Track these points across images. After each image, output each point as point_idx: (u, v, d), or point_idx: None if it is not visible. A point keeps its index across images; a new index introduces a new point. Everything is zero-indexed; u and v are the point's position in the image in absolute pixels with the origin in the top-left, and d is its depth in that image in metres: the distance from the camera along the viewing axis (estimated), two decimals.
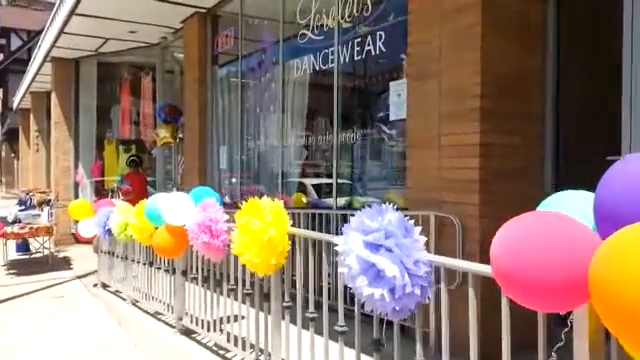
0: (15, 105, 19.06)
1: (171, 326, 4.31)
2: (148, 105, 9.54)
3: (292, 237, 2.55)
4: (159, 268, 4.56)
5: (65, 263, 8.64)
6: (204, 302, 3.69)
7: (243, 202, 2.64)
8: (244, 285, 3.04)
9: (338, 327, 2.21)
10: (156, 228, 4.25)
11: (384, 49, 4.12)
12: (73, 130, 10.75)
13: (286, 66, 5.47)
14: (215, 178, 7.31)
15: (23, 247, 9.10)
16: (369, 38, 4.24)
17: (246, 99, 6.45)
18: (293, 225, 2.56)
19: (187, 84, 7.57)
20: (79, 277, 7.53)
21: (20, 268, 8.07)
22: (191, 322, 3.86)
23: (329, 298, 2.38)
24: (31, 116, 17.43)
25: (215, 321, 3.57)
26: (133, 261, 5.32)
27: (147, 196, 8.58)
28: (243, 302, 3.11)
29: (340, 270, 1.81)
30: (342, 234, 1.89)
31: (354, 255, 1.74)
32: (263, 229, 2.41)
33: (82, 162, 10.72)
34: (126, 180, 8.33)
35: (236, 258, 3.12)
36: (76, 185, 10.66)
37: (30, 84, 14.02)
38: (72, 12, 7.08)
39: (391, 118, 3.94)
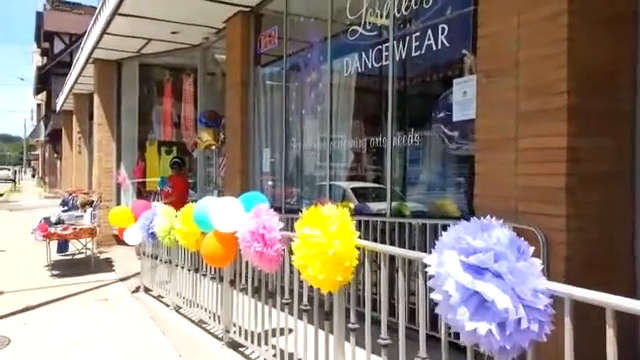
0: (58, 107, 19.52)
1: (217, 337, 4.12)
2: (189, 107, 9.49)
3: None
4: (204, 275, 4.38)
5: (107, 265, 8.65)
6: (254, 314, 3.47)
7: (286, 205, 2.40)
8: (301, 300, 2.80)
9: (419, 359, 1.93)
10: (203, 234, 4.07)
11: (447, 44, 3.82)
12: (115, 131, 10.82)
13: (334, 65, 5.22)
14: (257, 181, 7.13)
15: (63, 247, 9.17)
16: (429, 32, 3.94)
17: (290, 100, 6.23)
18: None
19: (229, 85, 7.43)
20: (122, 279, 7.48)
21: (63, 269, 8.10)
22: (239, 335, 3.65)
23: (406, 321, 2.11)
24: (74, 118, 17.81)
25: (266, 335, 3.35)
26: (177, 266, 5.18)
27: (184, 200, 8.59)
28: (299, 317, 2.86)
29: (433, 297, 1.54)
30: (417, 249, 1.62)
31: (452, 281, 1.47)
32: (326, 242, 2.17)
33: (124, 163, 10.77)
34: (168, 182, 8.25)
35: (291, 269, 2.89)
36: (118, 186, 10.72)
37: (73, 85, 14.27)
38: (115, 12, 7.04)
39: (455, 118, 3.62)
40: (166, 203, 8.09)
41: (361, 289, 2.34)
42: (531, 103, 2.86)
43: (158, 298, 5.96)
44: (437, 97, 4.00)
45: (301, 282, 2.75)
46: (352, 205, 5.44)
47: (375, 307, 2.63)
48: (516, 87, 2.97)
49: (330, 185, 5.31)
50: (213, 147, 7.83)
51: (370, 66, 4.62)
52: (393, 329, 2.17)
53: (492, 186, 3.06)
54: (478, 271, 1.46)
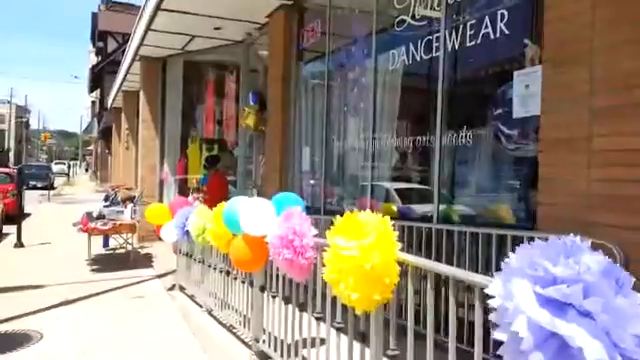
0: (109, 104, 20.04)
1: (246, 344, 3.88)
2: (231, 104, 9.36)
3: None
4: (235, 278, 4.15)
5: (147, 260, 8.63)
6: (284, 323, 3.18)
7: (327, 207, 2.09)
8: (334, 316, 2.48)
9: None
10: (234, 235, 3.84)
11: (507, 32, 3.41)
12: (159, 128, 10.87)
13: (379, 59, 4.87)
14: (296, 180, 6.88)
15: (105, 242, 9.25)
16: (487, 19, 3.54)
17: (332, 96, 5.93)
18: None
19: (271, 81, 7.22)
20: (159, 276, 7.41)
21: (103, 264, 8.13)
22: (269, 346, 3.37)
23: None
24: (122, 115, 18.20)
25: (297, 347, 3.05)
26: (209, 266, 4.98)
27: (225, 197, 8.43)
28: (338, 329, 2.53)
29: (497, 337, 1.20)
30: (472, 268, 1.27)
31: (524, 318, 1.12)
32: (362, 255, 1.85)
33: (167, 160, 10.79)
34: (208, 179, 8.13)
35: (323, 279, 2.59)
36: (161, 183, 10.76)
37: (122, 83, 14.52)
38: (157, 7, 6.97)
39: (515, 115, 3.22)
40: (202, 201, 8.02)
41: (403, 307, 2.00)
42: (610, 97, 2.44)
43: (192, 297, 5.81)
44: (494, 92, 3.60)
45: (334, 296, 2.44)
46: (395, 207, 5.10)
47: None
48: (590, 79, 2.56)
49: (372, 185, 4.97)
50: (251, 131, 7.53)
51: (419, 58, 4.25)
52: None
53: (559, 193, 2.66)
54: (559, 307, 1.10)
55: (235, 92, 9.22)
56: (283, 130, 6.83)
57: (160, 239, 9.62)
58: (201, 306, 5.18)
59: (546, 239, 1.26)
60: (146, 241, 9.95)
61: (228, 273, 4.33)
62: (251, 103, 7.26)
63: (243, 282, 3.92)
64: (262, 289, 3.48)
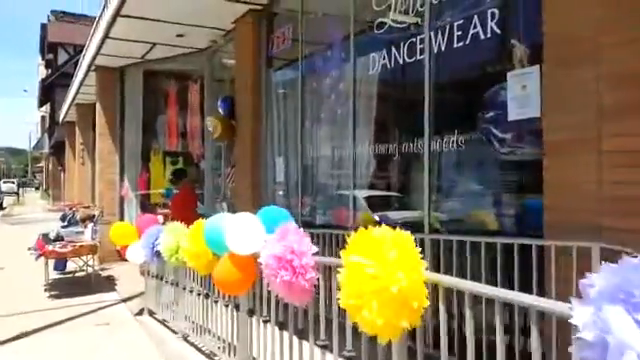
0: (61, 118, 19.15)
1: None
2: (195, 115, 8.99)
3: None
4: (216, 302, 3.83)
5: (109, 283, 8.11)
6: (279, 351, 2.91)
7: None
8: (343, 345, 2.24)
9: None
10: (215, 255, 3.54)
11: (498, 31, 3.29)
12: (118, 141, 10.35)
13: (358, 63, 4.70)
14: (269, 192, 6.61)
15: (61, 265, 8.64)
16: (476, 19, 3.42)
17: (307, 104, 5.71)
18: None
19: (239, 90, 6.94)
20: (124, 300, 6.94)
21: (62, 289, 7.57)
22: None
23: None
24: (76, 129, 17.40)
25: None
26: (184, 289, 4.64)
27: (193, 212, 8.02)
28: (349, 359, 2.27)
29: None
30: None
31: (634, 355, 0.92)
32: (385, 275, 1.62)
33: (127, 175, 10.27)
34: (175, 194, 7.72)
35: (328, 302, 2.35)
36: (121, 199, 10.22)
37: (75, 95, 13.86)
38: (117, 13, 6.59)
39: (510, 117, 3.09)
40: (166, 218, 7.61)
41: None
42: (620, 95, 2.33)
43: (163, 322, 5.43)
44: (484, 94, 3.48)
45: (342, 322, 2.20)
46: (376, 217, 4.92)
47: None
48: (596, 77, 2.44)
49: (354, 195, 4.77)
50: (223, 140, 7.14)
51: (401, 62, 4.10)
52: None
53: (567, 197, 2.53)
54: None
55: (199, 102, 8.87)
56: (254, 140, 6.56)
57: (122, 259, 9.16)
58: (175, 332, 4.82)
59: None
60: (106, 262, 9.40)
61: (207, 296, 4.01)
62: (220, 110, 6.94)
63: (226, 305, 3.61)
64: (250, 313, 3.19)
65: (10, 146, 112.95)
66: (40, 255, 6.96)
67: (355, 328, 2.13)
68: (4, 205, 29.69)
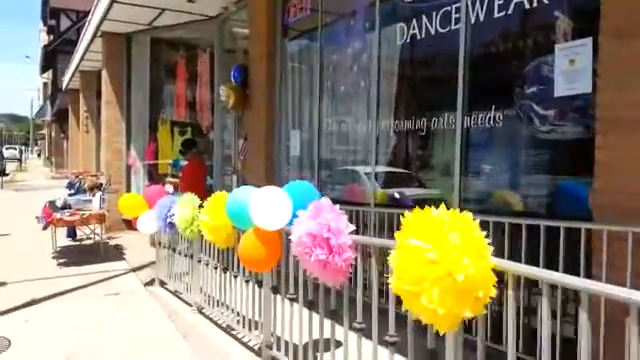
0: (64, 85, 18.87)
1: (252, 350, 3.50)
2: (204, 86, 8.77)
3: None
4: (236, 276, 3.74)
5: (117, 252, 8.06)
6: (308, 332, 2.81)
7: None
8: (383, 330, 2.13)
9: None
10: (235, 229, 3.44)
11: (546, 0, 3.09)
12: (125, 110, 10.16)
13: (383, 33, 4.49)
14: (283, 166, 6.47)
15: (72, 233, 8.59)
16: None
17: (326, 76, 5.51)
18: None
19: (252, 60, 6.72)
20: (133, 270, 6.89)
21: (71, 257, 7.52)
22: (285, 355, 2.99)
23: None
24: (80, 96, 17.16)
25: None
26: (199, 262, 4.55)
27: (203, 184, 7.89)
28: (391, 344, 2.15)
29: None
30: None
31: None
32: (450, 261, 1.50)
33: (134, 144, 10.12)
34: (185, 165, 7.59)
35: (365, 283, 2.24)
36: (128, 168, 10.10)
37: (80, 62, 13.58)
38: None
39: (557, 93, 2.92)
40: (175, 189, 7.50)
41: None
42: None
43: (175, 293, 5.37)
44: (525, 68, 3.29)
45: (382, 304, 2.09)
46: (397, 195, 4.81)
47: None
48: None
49: (375, 172, 4.63)
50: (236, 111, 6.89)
51: (433, 32, 3.90)
52: None
53: (623, 179, 2.38)
54: None
55: (209, 72, 8.64)
56: (268, 112, 6.38)
57: (129, 229, 9.10)
58: (190, 305, 4.75)
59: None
60: (113, 231, 9.34)
61: (225, 270, 3.91)
62: (232, 80, 6.74)
63: (247, 281, 3.52)
64: (274, 290, 3.09)
65: (12, 112, 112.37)
66: (48, 223, 6.87)
67: (398, 312, 2.02)
68: (7, 171, 29.59)
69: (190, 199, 4.46)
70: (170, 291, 5.54)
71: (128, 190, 10.11)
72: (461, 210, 3.42)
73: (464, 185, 3.63)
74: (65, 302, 5.43)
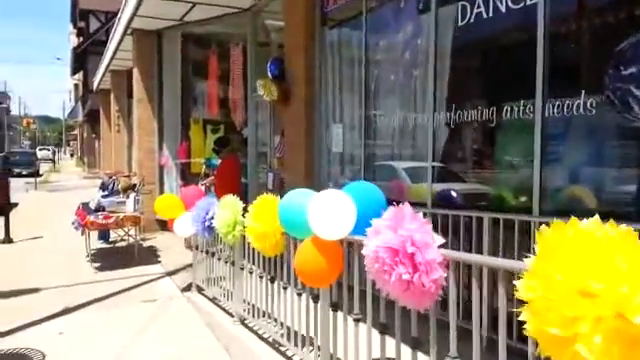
0: (95, 85, 18.92)
1: None
2: (238, 81, 8.44)
3: None
4: (286, 288, 3.37)
5: (152, 254, 7.84)
6: (380, 352, 2.41)
7: None
8: None
9: None
10: (284, 234, 3.08)
11: None
12: (157, 109, 9.95)
13: (441, 14, 4.04)
14: (324, 163, 6.09)
15: (105, 235, 8.41)
16: None
17: (373, 64, 5.09)
18: None
19: (290, 51, 6.36)
20: (169, 274, 6.63)
21: (105, 260, 7.32)
22: None
23: None
24: (111, 96, 17.16)
25: None
26: (242, 269, 4.21)
27: (238, 183, 7.58)
28: None
29: None
30: None
31: None
32: (622, 296, 1.09)
33: (166, 143, 9.90)
34: (220, 163, 7.28)
35: (458, 307, 1.83)
36: (160, 168, 9.89)
37: (110, 61, 13.48)
38: None
39: None
40: (208, 188, 7.20)
41: None
42: None
43: (214, 301, 5.07)
44: (617, 46, 2.82)
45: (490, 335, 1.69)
46: (453, 194, 4.37)
47: None
48: None
49: (432, 167, 4.20)
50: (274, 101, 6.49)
51: (503, 9, 3.44)
52: None
53: None
54: None
55: (242, 67, 8.31)
56: (307, 106, 6.01)
57: (163, 229, 8.89)
58: (231, 314, 4.43)
59: None
60: (147, 232, 9.15)
61: (272, 280, 3.55)
62: (269, 74, 6.38)
63: (299, 294, 3.15)
64: (334, 307, 2.71)
65: (45, 114, 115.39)
66: (82, 226, 6.67)
67: (510, 345, 1.61)
68: (40, 172, 30.14)
69: (232, 202, 4.12)
70: (208, 298, 5.24)
71: (161, 190, 9.91)
72: (542, 214, 2.99)
73: (545, 183, 3.17)
74: (100, 310, 5.18)
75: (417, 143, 4.45)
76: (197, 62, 9.95)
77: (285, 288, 3.32)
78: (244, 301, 4.21)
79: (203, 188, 7.31)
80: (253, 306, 4.03)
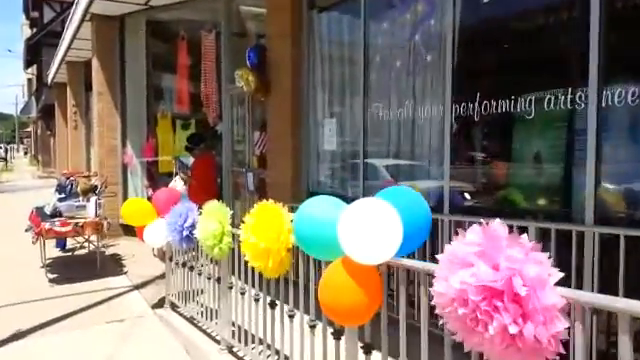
0: (50, 78, 17.66)
1: None
2: (210, 72, 7.71)
3: None
4: (292, 316, 2.74)
5: (116, 264, 7.05)
6: None
7: None
8: None
9: None
10: (290, 250, 2.48)
11: None
12: (119, 102, 9.08)
13: None
14: (312, 162, 5.49)
15: (62, 242, 7.54)
16: None
17: (375, 50, 4.51)
18: None
19: (273, 37, 5.72)
20: (137, 287, 5.89)
21: (63, 271, 6.50)
22: None
23: None
24: (68, 90, 15.98)
25: None
26: (230, 288, 3.57)
27: (214, 184, 6.89)
28: None
29: None
30: None
31: None
32: None
33: (130, 140, 9.06)
34: (194, 163, 6.57)
35: None
36: (124, 167, 9.05)
37: (67, 51, 12.43)
38: None
39: None
40: (188, 192, 6.48)
41: None
42: None
43: (192, 321, 4.40)
44: None
45: None
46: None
47: None
48: None
49: (451, 167, 3.67)
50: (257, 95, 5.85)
51: None
52: None
53: None
54: None
55: (215, 57, 7.60)
56: (294, 98, 5.40)
57: (127, 233, 8.07)
58: (214, 339, 3.79)
59: None
60: (109, 237, 8.29)
61: (273, 305, 2.92)
62: (248, 63, 5.73)
63: (312, 326, 2.54)
64: (367, 348, 2.11)
65: None
66: (37, 235, 5.85)
67: None
68: None
69: (218, 208, 3.47)
70: (184, 317, 4.57)
71: (125, 192, 9.08)
72: (596, 218, 2.48)
73: (599, 184, 2.68)
74: (57, 334, 4.42)
75: (429, 139, 3.90)
76: (164, 51, 9.14)
77: (291, 317, 2.71)
78: (233, 325, 3.58)
79: (180, 184, 6.57)
80: (246, 332, 3.39)
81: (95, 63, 9.17)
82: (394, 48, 4.26)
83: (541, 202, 3.37)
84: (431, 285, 1.54)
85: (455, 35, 3.56)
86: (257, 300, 3.13)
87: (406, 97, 4.14)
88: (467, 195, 3.90)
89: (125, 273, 6.55)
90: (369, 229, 1.81)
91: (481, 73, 3.52)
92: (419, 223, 1.95)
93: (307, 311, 2.63)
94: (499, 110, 3.27)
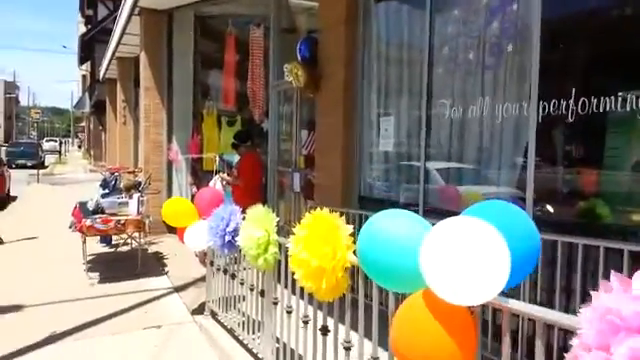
0: (102, 73, 17.94)
1: None
2: (258, 68, 7.39)
3: None
4: (349, 348, 2.32)
5: (157, 263, 6.85)
6: None
7: None
8: None
9: None
10: (347, 269, 2.07)
11: None
12: (166, 97, 8.94)
13: None
14: (365, 165, 5.07)
15: (107, 238, 7.42)
16: None
17: (441, 42, 4.04)
18: None
19: (325, 28, 5.32)
20: (177, 289, 5.64)
21: (104, 268, 6.35)
22: None
23: None
24: (117, 85, 16.16)
25: None
26: (275, 304, 3.19)
27: (260, 183, 6.56)
28: None
29: None
30: None
31: None
32: None
33: (176, 136, 8.90)
34: (240, 160, 6.24)
35: None
36: (169, 164, 8.90)
37: (117, 47, 12.47)
38: None
39: None
40: (233, 192, 6.18)
41: None
42: None
43: (232, 332, 4.07)
44: None
45: None
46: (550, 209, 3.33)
47: None
48: None
49: (536, 174, 3.16)
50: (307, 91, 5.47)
51: None
52: None
53: None
54: None
55: (263, 52, 7.28)
56: (347, 93, 4.98)
57: (170, 231, 7.89)
58: (253, 352, 3.43)
59: None
60: (152, 234, 8.13)
61: (325, 331, 2.51)
62: (298, 56, 5.36)
63: (374, 358, 2.11)
64: None
65: (54, 106, 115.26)
66: (78, 231, 5.70)
67: None
68: (46, 164, 29.35)
69: (264, 215, 3.10)
70: (225, 327, 4.25)
71: (169, 189, 8.92)
72: None
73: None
74: (91, 340, 4.19)
75: (509, 142, 3.39)
76: (212, 46, 8.92)
77: (348, 349, 2.29)
78: (278, 341, 3.20)
79: (218, 185, 6.28)
80: (292, 352, 3.01)
81: (143, 58, 9.06)
82: (467, 37, 3.76)
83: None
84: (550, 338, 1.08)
85: (544, 20, 3.04)
86: (306, 322, 2.73)
87: (478, 94, 3.63)
88: (550, 208, 3.38)
89: (166, 273, 6.33)
90: (466, 260, 1.36)
91: (578, 66, 2.98)
92: (528, 251, 1.50)
93: (368, 334, 2.20)
94: (600, 109, 2.73)
